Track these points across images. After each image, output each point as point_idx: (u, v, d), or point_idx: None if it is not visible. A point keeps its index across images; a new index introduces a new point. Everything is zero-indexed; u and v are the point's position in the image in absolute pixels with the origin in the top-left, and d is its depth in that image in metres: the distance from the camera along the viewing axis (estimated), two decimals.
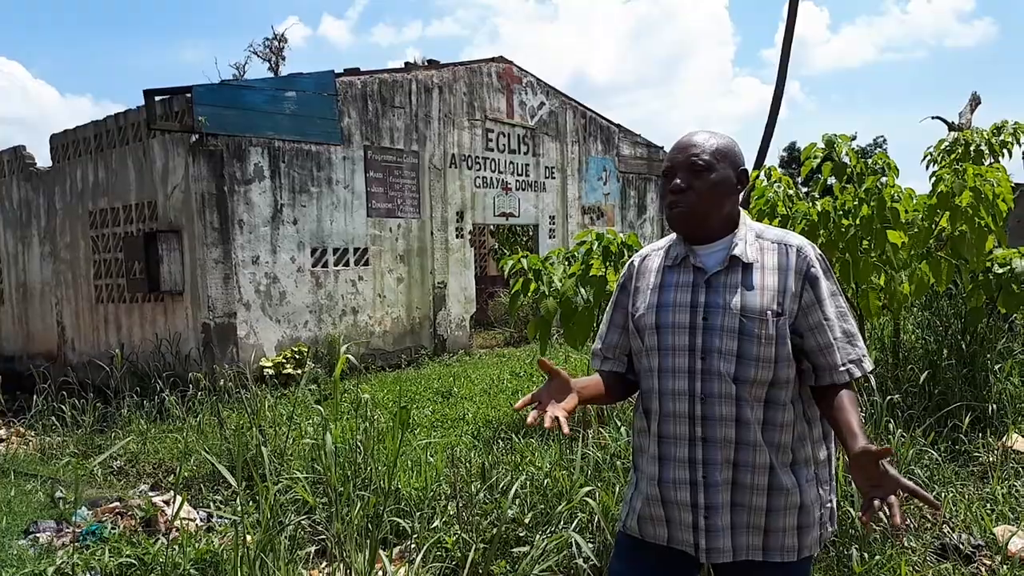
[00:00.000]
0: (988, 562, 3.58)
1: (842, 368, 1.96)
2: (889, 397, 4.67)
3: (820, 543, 2.04)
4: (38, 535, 4.62)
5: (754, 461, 1.94)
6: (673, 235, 2.15)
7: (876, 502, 1.66)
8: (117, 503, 5.01)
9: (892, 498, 1.66)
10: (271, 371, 9.19)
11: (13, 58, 75.10)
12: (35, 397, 7.63)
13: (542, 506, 3.80)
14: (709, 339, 1.95)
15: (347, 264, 10.72)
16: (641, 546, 2.12)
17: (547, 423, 1.81)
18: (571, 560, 3.40)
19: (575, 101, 14.46)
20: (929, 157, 6.77)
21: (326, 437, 3.07)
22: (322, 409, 4.19)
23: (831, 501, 2.06)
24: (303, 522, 4.04)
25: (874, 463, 1.71)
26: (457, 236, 12.33)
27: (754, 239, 2.03)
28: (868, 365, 2.01)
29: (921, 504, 3.92)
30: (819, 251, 2.04)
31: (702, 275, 2.01)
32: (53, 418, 7.34)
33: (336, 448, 4.28)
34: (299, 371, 9.23)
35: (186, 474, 5.43)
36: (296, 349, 9.70)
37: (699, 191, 1.98)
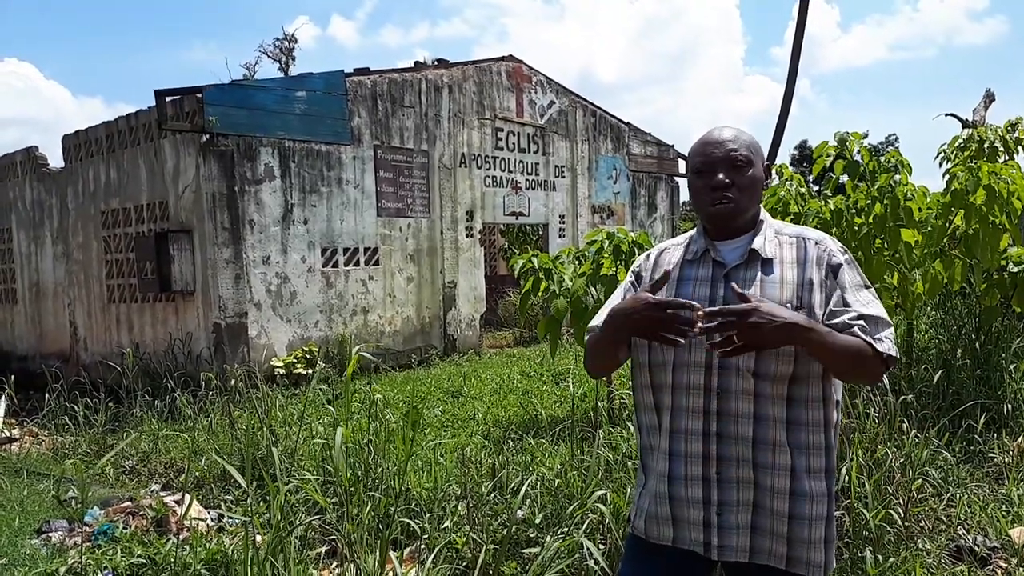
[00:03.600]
0: (1004, 564, 3.54)
1: (874, 342, 1.83)
2: (903, 397, 4.63)
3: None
4: (50, 534, 4.65)
5: (774, 462, 1.90)
6: (691, 232, 2.13)
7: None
8: (129, 503, 5.03)
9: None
10: (282, 371, 9.22)
11: (26, 59, 75.65)
12: (47, 396, 7.68)
13: (553, 507, 3.79)
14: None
15: (357, 264, 10.74)
16: (649, 547, 2.08)
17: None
18: (582, 562, 3.38)
19: (585, 100, 14.43)
20: (943, 155, 6.72)
21: (337, 437, 3.06)
22: (332, 409, 4.19)
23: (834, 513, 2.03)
24: (314, 522, 4.04)
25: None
26: (467, 235, 12.33)
27: (773, 235, 2.02)
28: (889, 347, 1.84)
29: (936, 506, 3.89)
30: (840, 244, 2.01)
31: (721, 269, 1.99)
32: (65, 418, 7.38)
33: (347, 448, 4.27)
34: (310, 371, 9.25)
35: (197, 474, 5.44)
36: (307, 349, 9.72)
37: (741, 186, 1.96)
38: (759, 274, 1.95)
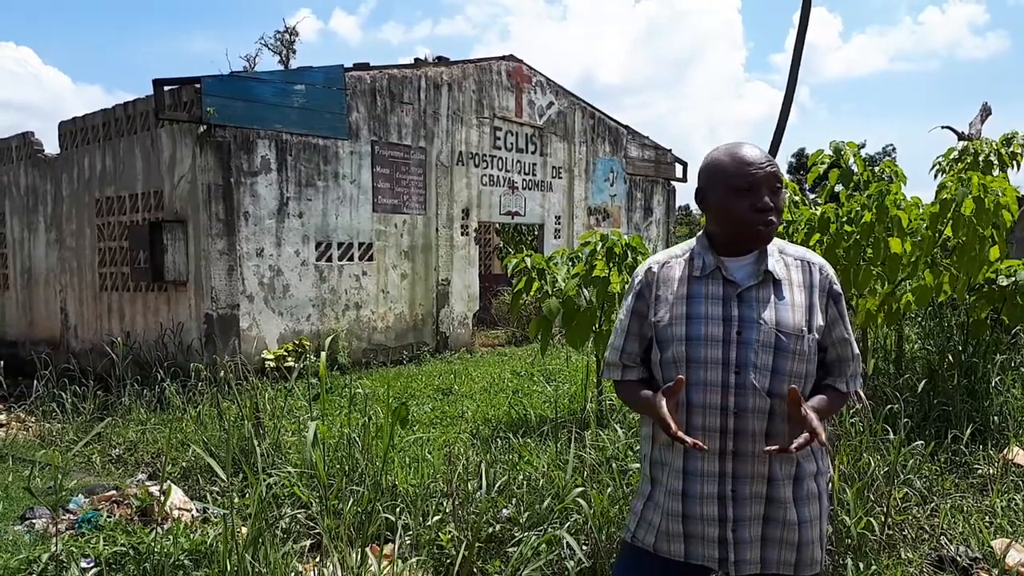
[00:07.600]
0: (985, 575, 3.56)
1: (849, 381, 2.08)
2: (889, 406, 4.64)
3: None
4: (34, 521, 4.64)
5: (782, 473, 1.98)
6: (689, 243, 2.12)
7: (805, 435, 1.84)
8: (114, 491, 5.02)
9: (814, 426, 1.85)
10: (272, 363, 9.20)
11: (25, 44, 75.44)
12: (36, 383, 7.65)
13: (538, 506, 3.79)
14: (744, 353, 1.94)
15: (351, 259, 10.73)
16: (651, 560, 2.09)
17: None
18: (563, 560, 3.39)
19: (584, 102, 14.43)
20: (938, 166, 6.75)
21: (309, 431, 3.08)
22: (312, 405, 4.19)
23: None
24: (300, 516, 4.04)
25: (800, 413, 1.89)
26: (462, 233, 12.32)
27: (779, 255, 2.05)
28: (856, 385, 2.11)
29: (919, 515, 3.91)
30: (832, 270, 2.10)
31: (734, 288, 1.99)
32: (54, 405, 7.36)
33: (330, 443, 4.27)
34: (300, 364, 9.23)
35: (184, 464, 5.43)
36: (298, 342, 9.71)
37: (779, 209, 1.99)
38: (772, 296, 1.98)
